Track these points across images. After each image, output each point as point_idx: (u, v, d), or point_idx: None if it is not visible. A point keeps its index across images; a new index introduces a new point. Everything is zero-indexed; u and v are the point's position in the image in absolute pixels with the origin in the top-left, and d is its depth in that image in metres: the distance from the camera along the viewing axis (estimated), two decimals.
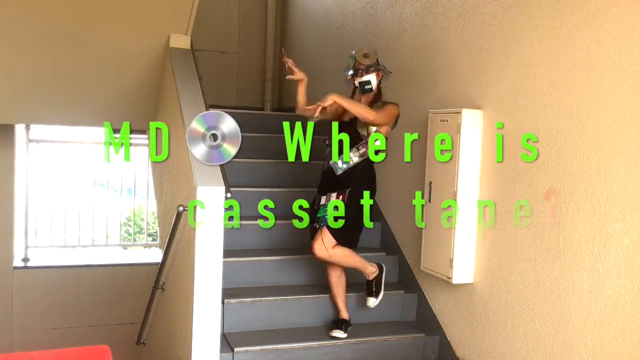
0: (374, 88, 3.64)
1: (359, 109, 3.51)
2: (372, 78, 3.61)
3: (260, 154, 5.05)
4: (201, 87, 4.02)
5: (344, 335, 3.70)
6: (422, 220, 3.89)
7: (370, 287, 3.81)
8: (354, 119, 3.62)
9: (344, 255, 3.68)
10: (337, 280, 3.81)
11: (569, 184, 2.93)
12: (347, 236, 3.66)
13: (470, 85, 3.63)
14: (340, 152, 3.60)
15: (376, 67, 3.63)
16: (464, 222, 3.56)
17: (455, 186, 3.55)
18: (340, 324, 3.76)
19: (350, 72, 3.63)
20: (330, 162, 3.62)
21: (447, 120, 3.64)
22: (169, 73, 4.28)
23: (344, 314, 3.82)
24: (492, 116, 3.47)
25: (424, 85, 4.10)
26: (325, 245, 3.58)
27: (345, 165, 3.60)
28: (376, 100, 3.67)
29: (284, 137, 5.19)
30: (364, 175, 3.67)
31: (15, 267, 6.31)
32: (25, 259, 6.51)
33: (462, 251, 3.57)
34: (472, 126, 3.53)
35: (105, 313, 6.40)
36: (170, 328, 3.99)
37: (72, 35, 4.36)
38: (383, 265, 3.87)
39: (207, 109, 3.82)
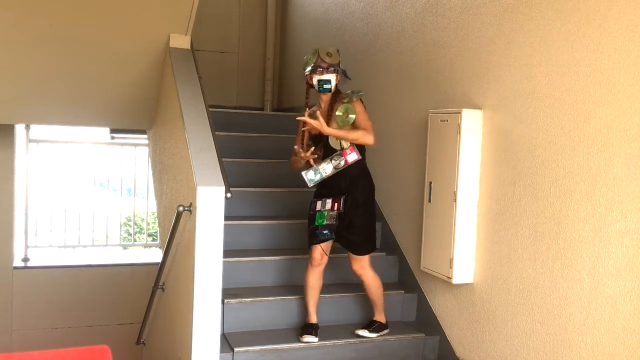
0: (332, 88, 3.56)
1: (355, 135, 3.48)
2: (332, 78, 3.54)
3: (260, 154, 5.06)
4: (201, 87, 4.02)
5: (317, 339, 3.66)
6: (422, 220, 3.90)
7: (372, 325, 3.81)
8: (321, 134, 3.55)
9: (374, 278, 3.77)
10: (317, 282, 3.73)
11: (569, 184, 2.93)
12: (367, 244, 3.72)
13: (470, 85, 3.63)
14: (310, 164, 3.57)
15: (336, 68, 3.56)
16: (463, 222, 3.56)
17: (455, 186, 3.55)
18: (310, 328, 3.72)
19: (309, 68, 3.56)
20: (302, 174, 3.58)
21: (447, 120, 3.64)
22: (169, 73, 4.28)
23: (314, 319, 3.77)
24: (492, 116, 3.47)
25: (424, 85, 4.10)
26: (360, 262, 3.71)
27: (317, 177, 3.56)
28: (333, 101, 3.59)
29: (284, 137, 5.23)
30: (359, 180, 3.64)
31: (15, 267, 6.31)
32: (25, 259, 6.52)
33: (462, 251, 3.57)
34: (472, 126, 3.53)
35: (105, 313, 6.40)
36: (170, 328, 3.99)
37: (72, 35, 4.35)
38: (389, 326, 3.88)
39: (207, 109, 3.82)
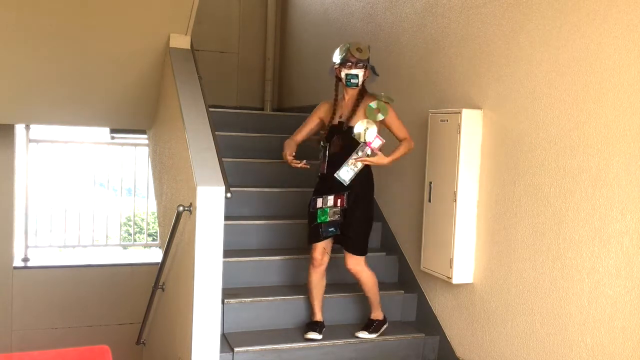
0: (359, 84, 3.59)
1: (404, 150, 3.60)
2: (360, 73, 3.56)
3: (260, 154, 5.06)
4: (201, 87, 4.02)
5: (320, 336, 3.66)
6: (422, 220, 3.89)
7: (370, 325, 3.80)
8: (345, 122, 3.59)
9: (371, 276, 3.76)
10: (319, 282, 3.74)
11: (569, 184, 2.93)
12: (363, 243, 3.71)
13: (470, 85, 3.63)
14: (342, 162, 3.56)
15: (365, 64, 3.58)
16: (463, 222, 3.56)
17: (455, 186, 3.55)
18: (314, 326, 3.73)
19: (338, 61, 3.57)
20: (335, 175, 3.57)
21: (447, 120, 3.64)
22: (169, 73, 4.28)
23: (319, 316, 3.78)
24: (492, 116, 3.47)
25: (424, 85, 4.10)
26: (356, 260, 3.68)
27: (352, 173, 3.57)
28: (360, 97, 3.62)
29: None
30: (360, 177, 3.62)
31: (15, 267, 6.31)
32: (25, 259, 6.52)
33: (462, 251, 3.57)
34: (472, 126, 3.53)
35: (105, 313, 6.40)
36: (170, 328, 3.99)
37: (72, 35, 4.36)
38: (387, 319, 3.88)
39: (207, 109, 3.82)
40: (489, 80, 3.48)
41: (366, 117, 3.55)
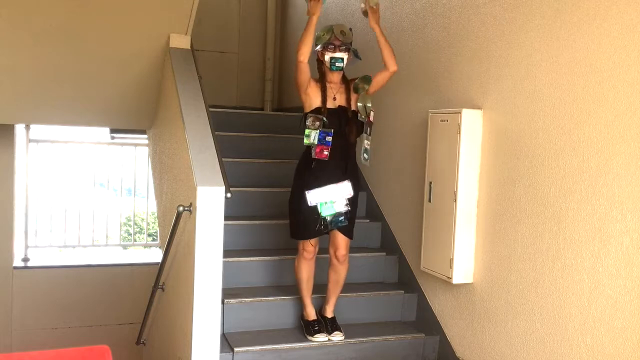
0: (343, 67, 3.55)
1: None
2: (344, 56, 3.51)
3: (260, 154, 5.06)
4: (201, 87, 4.02)
5: (327, 338, 3.68)
6: (422, 220, 3.90)
7: (335, 322, 3.76)
8: (349, 107, 3.56)
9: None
10: (312, 274, 3.71)
11: (569, 184, 2.93)
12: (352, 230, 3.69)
13: (470, 85, 3.63)
14: (347, 148, 3.55)
15: (349, 47, 3.53)
16: (463, 222, 3.56)
17: (455, 186, 3.55)
18: (320, 327, 3.72)
19: (321, 45, 3.50)
20: (363, 161, 3.59)
21: (447, 120, 3.64)
22: (169, 73, 4.28)
23: (314, 314, 3.77)
24: (492, 116, 3.47)
25: (423, 85, 4.10)
26: (348, 244, 3.65)
27: (367, 154, 3.57)
28: (343, 81, 3.61)
29: (283, 137, 5.23)
30: (354, 162, 3.64)
31: (15, 267, 6.31)
32: (25, 259, 6.52)
33: (462, 251, 3.57)
34: (472, 126, 3.53)
35: (105, 313, 6.40)
36: (170, 328, 3.99)
37: (72, 35, 4.36)
38: None
39: (207, 109, 3.82)
40: (489, 80, 3.48)
41: (356, 93, 3.57)
